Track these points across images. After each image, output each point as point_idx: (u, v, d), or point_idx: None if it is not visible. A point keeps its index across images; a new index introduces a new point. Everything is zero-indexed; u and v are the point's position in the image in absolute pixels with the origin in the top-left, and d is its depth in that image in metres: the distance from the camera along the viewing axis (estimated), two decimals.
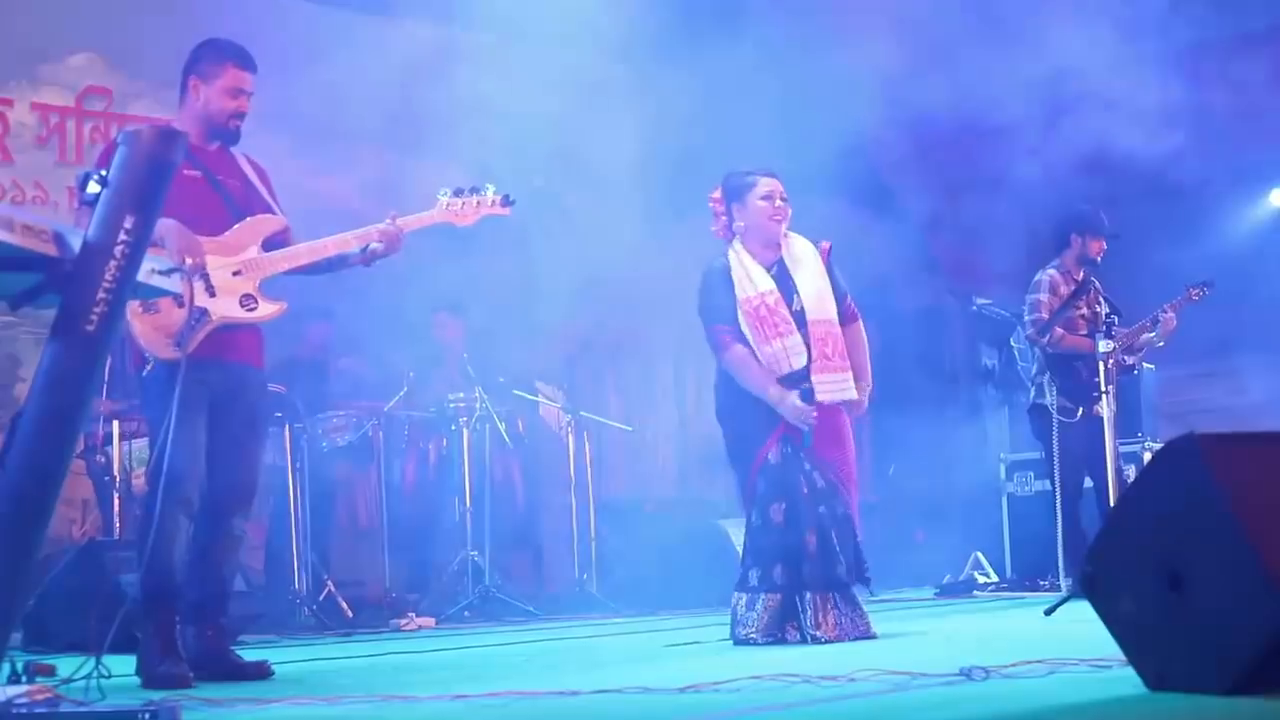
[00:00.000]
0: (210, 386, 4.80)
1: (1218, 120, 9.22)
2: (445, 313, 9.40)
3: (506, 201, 5.32)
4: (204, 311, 4.77)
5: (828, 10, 9.08)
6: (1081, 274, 8.11)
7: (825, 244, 5.91)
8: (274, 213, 5.09)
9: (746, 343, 5.65)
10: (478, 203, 5.27)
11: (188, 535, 4.80)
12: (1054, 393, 7.79)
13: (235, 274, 4.89)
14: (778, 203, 5.78)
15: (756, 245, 5.79)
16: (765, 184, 5.79)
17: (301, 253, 5.03)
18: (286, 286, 5.17)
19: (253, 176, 5.13)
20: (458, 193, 5.25)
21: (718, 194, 5.87)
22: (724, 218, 5.86)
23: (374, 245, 5.07)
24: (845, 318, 5.87)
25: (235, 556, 5.11)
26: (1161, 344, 8.09)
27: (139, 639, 4.71)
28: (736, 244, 5.81)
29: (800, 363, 5.66)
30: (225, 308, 4.83)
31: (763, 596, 5.55)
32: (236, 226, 4.97)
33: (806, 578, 5.52)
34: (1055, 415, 7.72)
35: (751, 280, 5.71)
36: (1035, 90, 9.11)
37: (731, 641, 5.60)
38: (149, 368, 4.82)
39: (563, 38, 10.04)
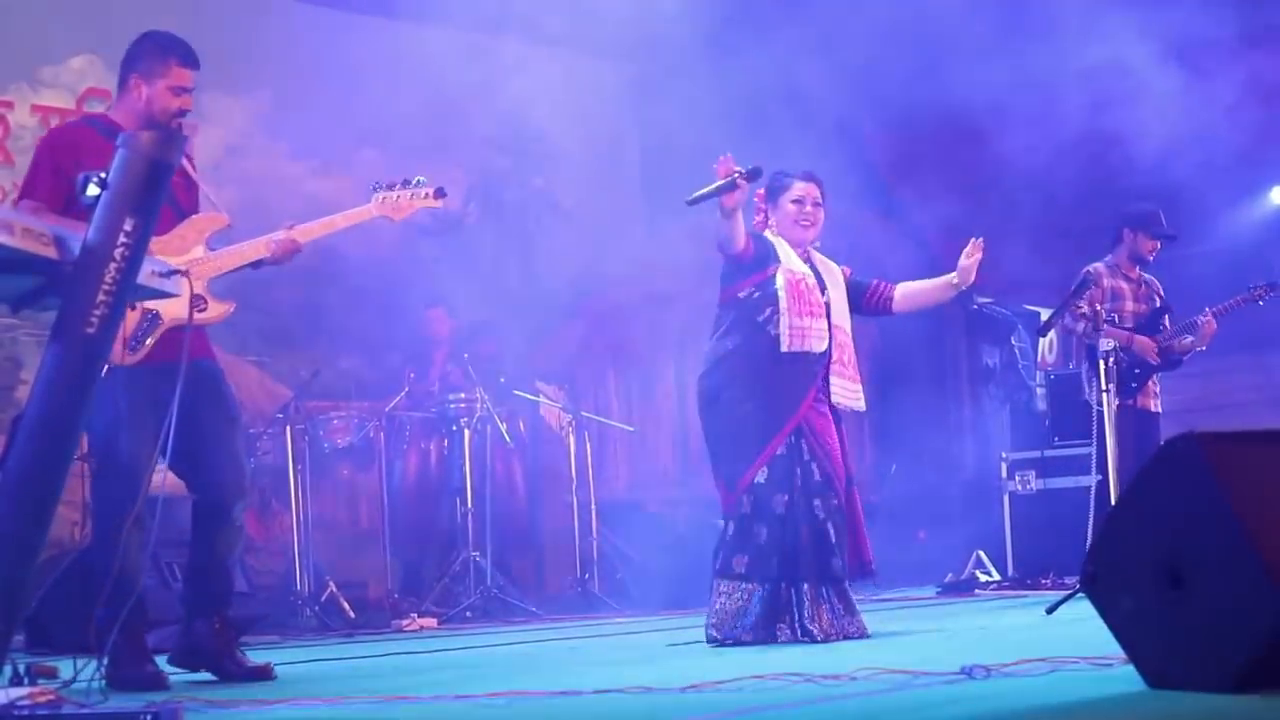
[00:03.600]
0: (169, 387, 4.68)
1: (1219, 116, 9.22)
2: (442, 308, 9.38)
3: (440, 193, 5.27)
4: (155, 315, 4.68)
5: (829, 8, 9.08)
6: (1136, 272, 8.17)
7: (846, 269, 5.93)
8: (215, 209, 5.01)
9: (777, 303, 5.60)
10: (410, 195, 5.21)
11: (139, 541, 4.70)
12: (1093, 385, 7.78)
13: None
14: (808, 208, 5.75)
15: (788, 242, 5.77)
16: (798, 188, 5.76)
17: (246, 251, 4.95)
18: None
19: (190, 171, 5.04)
20: (389, 186, 5.20)
21: (761, 190, 5.85)
22: (762, 213, 5.85)
23: (265, 255, 4.98)
24: None
25: (238, 547, 5.06)
26: (1203, 348, 8.11)
27: (109, 645, 4.56)
28: (772, 234, 5.79)
29: (820, 348, 5.64)
30: (177, 309, 4.68)
31: (756, 588, 5.49)
32: (180, 226, 4.88)
33: (803, 570, 5.50)
34: (1094, 407, 7.70)
35: (791, 259, 5.71)
36: (1038, 88, 9.10)
37: (705, 639, 5.51)
38: (104, 374, 4.72)
39: (563, 38, 10.05)
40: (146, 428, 4.61)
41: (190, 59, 4.95)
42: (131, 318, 4.62)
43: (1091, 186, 9.68)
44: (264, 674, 4.81)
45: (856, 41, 8.98)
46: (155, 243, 4.76)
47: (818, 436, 5.62)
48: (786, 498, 5.53)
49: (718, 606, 5.53)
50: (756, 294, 5.64)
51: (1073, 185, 9.62)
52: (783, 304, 5.59)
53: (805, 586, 5.49)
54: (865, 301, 5.89)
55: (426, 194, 5.25)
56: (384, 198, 5.19)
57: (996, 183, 10.41)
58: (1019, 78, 8.74)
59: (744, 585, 5.50)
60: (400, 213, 5.22)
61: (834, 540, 5.56)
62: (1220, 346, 8.31)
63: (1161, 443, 8.09)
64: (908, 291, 5.83)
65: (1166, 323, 8.10)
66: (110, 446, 4.73)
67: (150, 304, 4.59)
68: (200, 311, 4.81)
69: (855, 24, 8.94)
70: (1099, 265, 8.13)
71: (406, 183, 5.23)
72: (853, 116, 10.19)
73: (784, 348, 5.57)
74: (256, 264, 5.03)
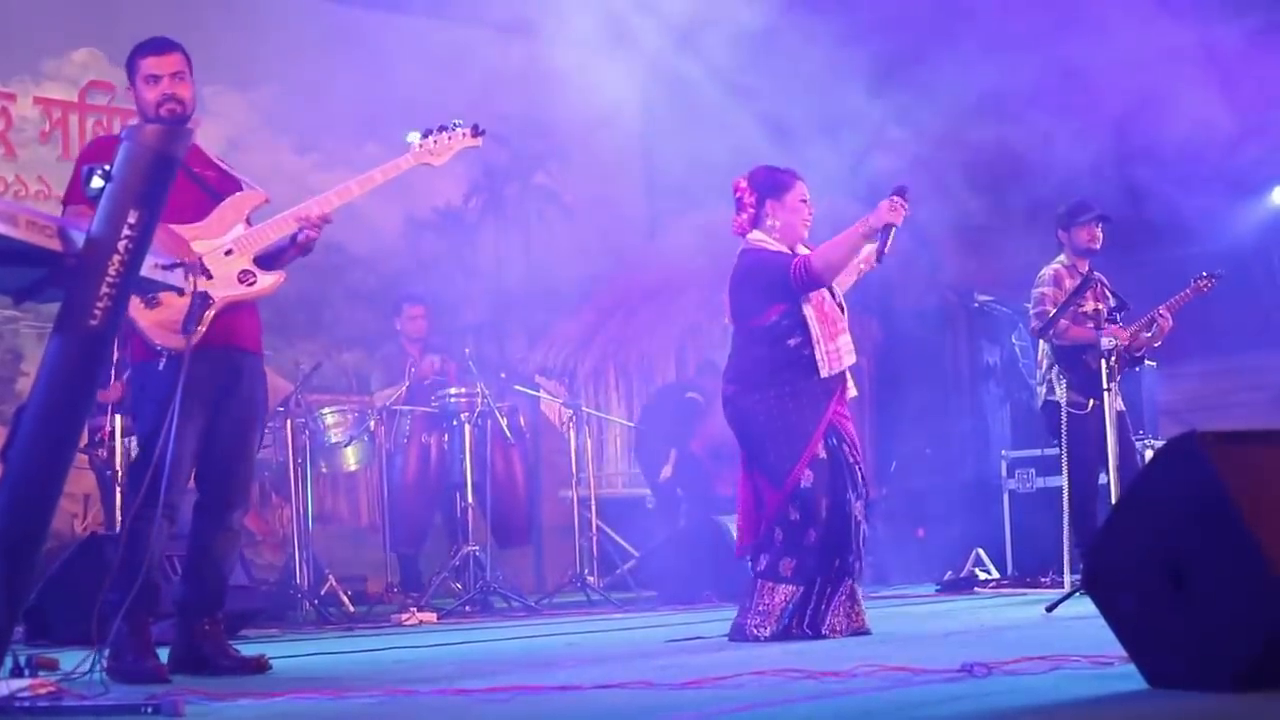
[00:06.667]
0: (216, 376, 4.75)
1: (1222, 115, 9.22)
2: (420, 305, 9.31)
3: (477, 131, 5.21)
4: (205, 295, 4.63)
5: (836, 5, 9.08)
6: (1087, 266, 8.10)
7: None
8: (254, 189, 4.99)
9: (808, 329, 5.54)
10: (449, 138, 5.15)
11: (166, 533, 4.73)
12: (1064, 386, 7.76)
13: (227, 253, 4.80)
14: (810, 207, 5.70)
15: (784, 245, 5.65)
16: (802, 187, 5.69)
17: (288, 218, 4.91)
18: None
19: (222, 164, 5.08)
20: (427, 133, 5.14)
21: (744, 184, 5.70)
22: (750, 210, 5.69)
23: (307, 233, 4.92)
24: None
25: (235, 551, 5.07)
26: (1158, 344, 8.08)
27: (115, 636, 4.54)
28: (763, 236, 5.66)
29: (852, 360, 5.62)
30: (225, 287, 4.74)
31: (798, 590, 5.47)
32: (218, 208, 4.87)
33: (836, 570, 5.50)
34: (1065, 409, 7.69)
35: None
36: (1040, 86, 9.10)
37: (730, 633, 5.53)
38: (163, 361, 4.72)
39: (567, 34, 10.05)
40: (190, 417, 4.61)
41: (153, 48, 4.96)
42: (181, 304, 4.47)
43: (1096, 184, 9.66)
44: (257, 665, 4.80)
45: (864, 37, 8.97)
46: (193, 229, 4.79)
47: (850, 439, 5.64)
48: (830, 500, 5.51)
49: (761, 608, 5.50)
50: (785, 321, 5.56)
51: (1077, 183, 9.61)
52: (814, 332, 5.53)
53: (830, 585, 5.50)
54: None
55: (465, 134, 5.19)
56: (422, 144, 5.13)
57: (998, 180, 10.40)
58: (1025, 74, 8.73)
59: (788, 587, 5.50)
60: (440, 157, 5.15)
61: (864, 543, 5.60)
62: (1221, 346, 8.30)
63: (1132, 439, 8.04)
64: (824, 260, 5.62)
65: (1118, 318, 8.03)
66: (154, 434, 4.65)
67: (200, 284, 4.48)
68: (250, 285, 4.82)
69: (863, 20, 8.94)
70: (1057, 265, 8.03)
71: (443, 127, 5.17)
72: (862, 114, 10.17)
73: (824, 373, 5.52)
74: (302, 249, 4.97)
